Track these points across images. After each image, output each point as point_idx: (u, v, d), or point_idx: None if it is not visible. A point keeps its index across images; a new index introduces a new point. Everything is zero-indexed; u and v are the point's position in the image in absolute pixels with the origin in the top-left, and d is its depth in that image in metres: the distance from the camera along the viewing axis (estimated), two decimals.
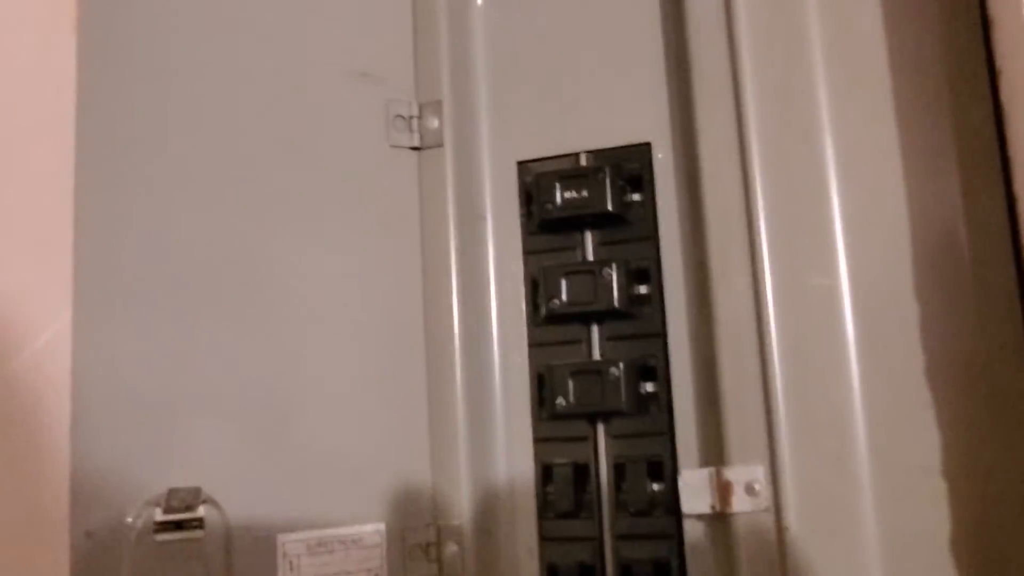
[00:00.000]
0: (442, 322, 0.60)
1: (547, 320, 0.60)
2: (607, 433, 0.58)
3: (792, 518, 0.51)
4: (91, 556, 0.49)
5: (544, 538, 0.59)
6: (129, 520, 0.49)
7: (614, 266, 0.58)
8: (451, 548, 0.58)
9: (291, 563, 0.53)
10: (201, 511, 0.51)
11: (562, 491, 0.58)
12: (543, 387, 0.59)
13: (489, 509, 0.59)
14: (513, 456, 0.60)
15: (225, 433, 0.53)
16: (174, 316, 0.52)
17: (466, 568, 0.57)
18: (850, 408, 0.51)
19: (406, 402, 0.59)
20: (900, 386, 0.51)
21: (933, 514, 0.50)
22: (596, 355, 0.59)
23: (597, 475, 0.58)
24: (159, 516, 0.49)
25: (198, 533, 0.50)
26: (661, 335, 0.58)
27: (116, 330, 0.51)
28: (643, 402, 0.57)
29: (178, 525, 0.50)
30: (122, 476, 0.49)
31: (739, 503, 0.52)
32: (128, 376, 0.51)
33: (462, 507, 0.58)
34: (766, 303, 0.53)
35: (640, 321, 0.58)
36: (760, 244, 0.53)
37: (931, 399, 0.50)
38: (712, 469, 0.54)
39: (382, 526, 0.57)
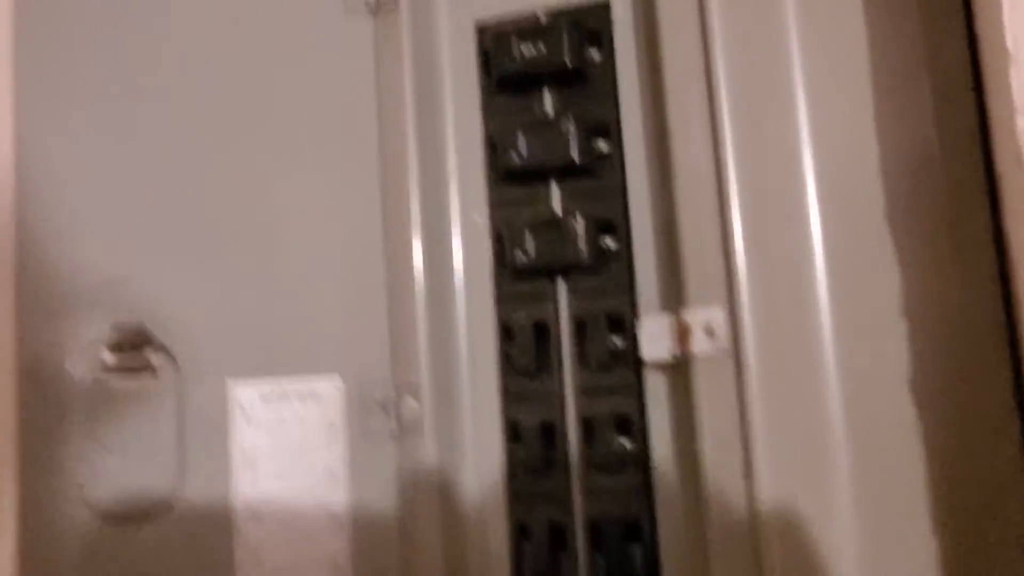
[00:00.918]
0: (399, 182, 0.59)
1: (506, 179, 0.59)
2: (568, 289, 0.58)
3: (751, 358, 0.50)
4: (39, 401, 0.48)
5: (505, 396, 0.58)
6: (75, 358, 0.48)
7: (572, 120, 0.57)
8: (410, 404, 0.57)
9: (246, 412, 0.53)
10: (149, 355, 0.50)
11: (523, 348, 0.58)
12: (503, 244, 0.59)
13: (449, 366, 0.58)
14: (473, 313, 0.59)
15: (177, 269, 0.52)
16: (128, 140, 0.51)
17: (425, 424, 0.57)
18: (809, 249, 0.51)
19: (365, 258, 0.58)
20: (862, 228, 0.51)
21: (894, 353, 0.50)
22: (557, 212, 0.58)
23: (558, 331, 0.58)
24: (107, 357, 0.48)
25: (147, 377, 0.49)
26: (621, 191, 0.57)
27: (65, 154, 0.50)
28: (603, 257, 0.57)
29: (128, 369, 0.49)
30: (69, 309, 0.48)
31: (698, 345, 0.52)
32: (77, 200, 0.50)
33: (420, 364, 0.57)
34: (725, 152, 0.52)
35: (600, 178, 0.58)
36: (720, 98, 0.53)
37: (893, 240, 0.50)
38: (672, 315, 0.53)
39: (339, 379, 0.56)
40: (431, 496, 0.56)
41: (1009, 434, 0.47)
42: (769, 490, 0.49)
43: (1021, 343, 0.46)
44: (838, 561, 0.48)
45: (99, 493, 0.46)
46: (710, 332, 0.51)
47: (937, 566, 0.47)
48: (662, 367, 0.54)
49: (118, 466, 0.47)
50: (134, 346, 0.49)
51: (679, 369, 0.53)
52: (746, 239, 0.51)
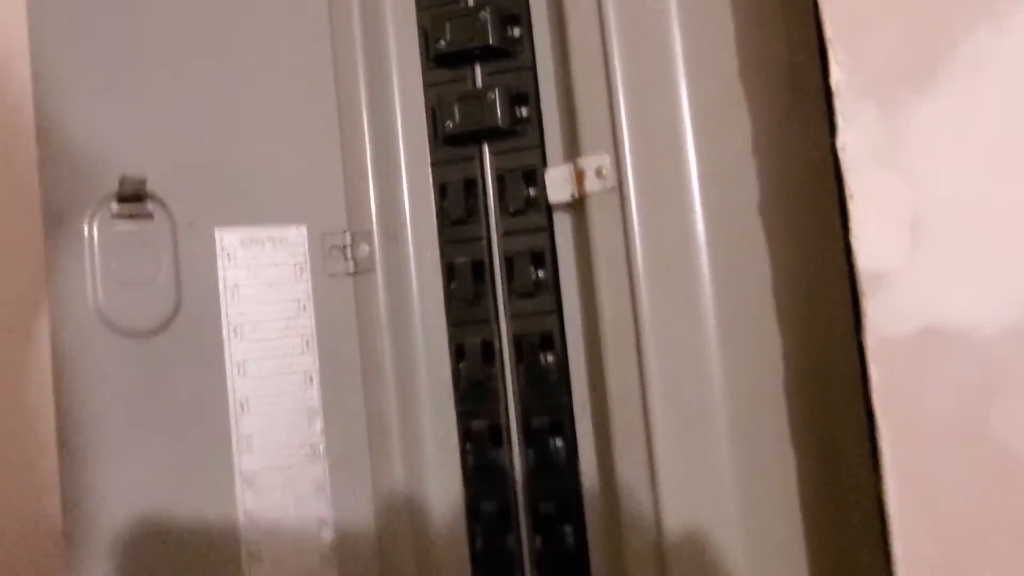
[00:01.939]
0: (348, 63, 0.71)
1: (436, 63, 0.71)
2: (491, 152, 0.70)
3: (632, 194, 0.63)
4: (62, 246, 0.60)
5: (442, 241, 0.71)
6: (90, 210, 0.60)
7: (488, 9, 0.69)
8: (363, 249, 0.70)
9: (228, 254, 0.65)
10: (149, 206, 0.62)
11: (455, 202, 0.70)
12: (436, 116, 0.71)
13: (395, 218, 0.71)
14: (413, 176, 0.72)
15: (173, 134, 0.64)
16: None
17: (376, 264, 0.70)
18: (679, 105, 0.63)
19: (322, 129, 0.70)
20: (724, 88, 0.63)
21: (750, 188, 0.62)
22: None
23: (484, 186, 0.70)
24: (115, 207, 0.61)
25: (148, 223, 0.62)
26: (532, 67, 0.69)
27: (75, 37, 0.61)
28: (518, 123, 0.69)
29: (131, 216, 0.61)
30: (85, 161, 0.60)
31: (590, 185, 0.64)
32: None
33: (372, 216, 0.70)
34: (610, 31, 0.64)
35: (514, 59, 0.70)
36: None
37: (745, 94, 0.63)
38: (571, 164, 0.66)
39: (304, 228, 0.69)
40: (382, 323, 0.69)
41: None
42: (648, 297, 0.62)
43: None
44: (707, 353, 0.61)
45: (113, 314, 0.59)
46: (600, 174, 0.64)
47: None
48: (565, 207, 0.67)
49: (128, 293, 0.60)
50: (137, 198, 0.61)
51: (578, 207, 0.66)
52: (626, 100, 0.63)
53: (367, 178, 0.70)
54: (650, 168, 0.63)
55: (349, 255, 0.70)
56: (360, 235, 0.70)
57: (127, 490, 0.59)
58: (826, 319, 0.60)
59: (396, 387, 0.70)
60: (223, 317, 0.64)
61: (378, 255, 0.70)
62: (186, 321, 0.63)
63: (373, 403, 0.70)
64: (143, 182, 0.60)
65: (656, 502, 0.61)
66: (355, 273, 0.70)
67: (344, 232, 0.70)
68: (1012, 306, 0.51)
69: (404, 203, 0.71)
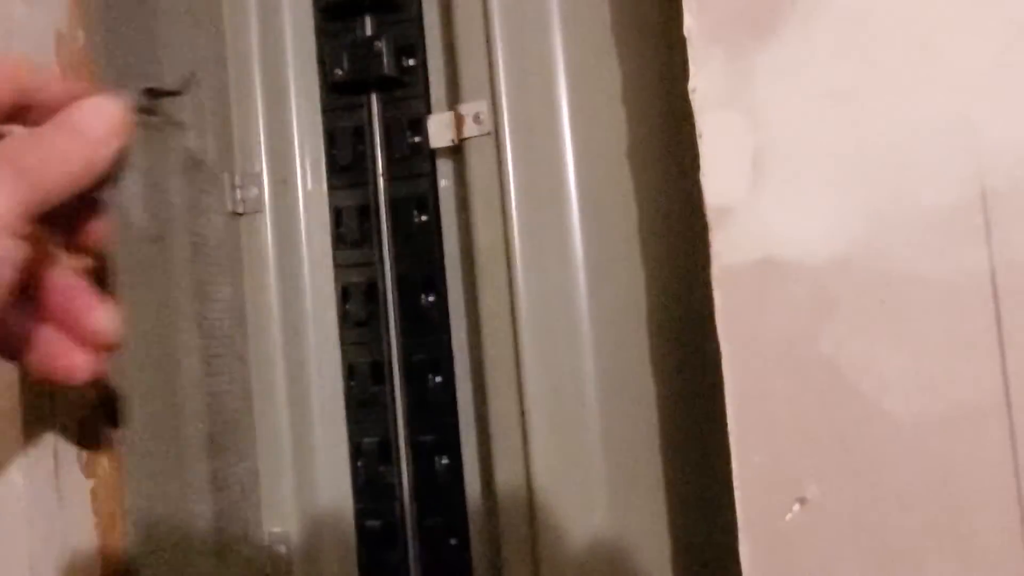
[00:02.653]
0: (239, 10, 0.73)
1: (327, 14, 0.74)
2: (379, 100, 0.73)
3: (507, 138, 0.66)
4: None
5: (330, 186, 0.74)
6: None
7: None
8: (253, 191, 0.72)
9: None
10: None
11: (344, 149, 0.73)
12: (326, 64, 0.74)
13: (285, 161, 0.73)
14: (303, 120, 0.74)
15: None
16: None
17: (264, 206, 0.72)
18: (554, 54, 0.66)
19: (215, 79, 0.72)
20: (598, 36, 0.66)
21: (621, 127, 0.66)
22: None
23: (371, 134, 0.73)
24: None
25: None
26: (419, 19, 0.72)
27: None
28: (406, 72, 0.72)
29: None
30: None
31: (469, 130, 0.67)
32: None
33: (262, 159, 0.72)
34: None
35: (403, 11, 0.73)
36: None
37: (615, 43, 0.66)
38: (452, 110, 0.69)
39: None
40: (270, 265, 0.72)
41: None
42: (522, 228, 0.65)
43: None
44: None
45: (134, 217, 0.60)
46: (478, 120, 0.67)
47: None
48: (446, 152, 0.70)
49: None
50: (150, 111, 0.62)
51: (458, 152, 0.69)
52: (503, 50, 0.67)
53: (258, 124, 0.72)
54: (525, 114, 0.66)
55: (239, 196, 0.72)
56: (250, 177, 0.72)
57: None
58: (688, 254, 0.64)
59: (282, 327, 0.72)
60: None
61: (266, 198, 0.72)
62: None
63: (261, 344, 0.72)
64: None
65: (525, 442, 0.64)
66: (244, 214, 0.72)
67: (234, 174, 0.72)
68: (839, 237, 0.55)
69: (295, 151, 0.74)
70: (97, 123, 0.44)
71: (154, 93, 0.63)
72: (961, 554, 0.52)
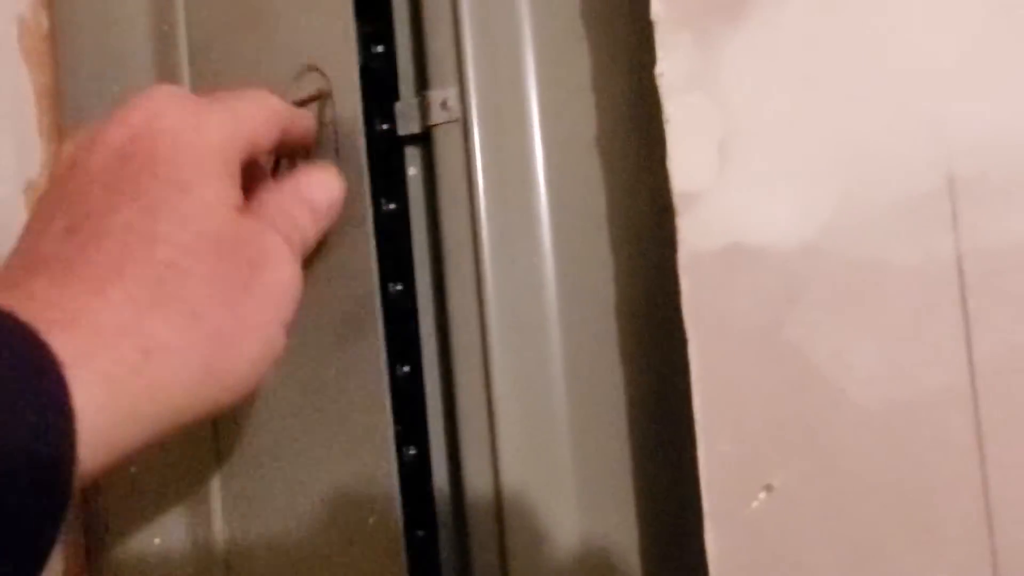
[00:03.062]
0: None
1: None
2: None
3: (474, 125, 0.65)
4: None
5: None
6: None
7: None
8: None
9: None
10: None
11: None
12: None
13: None
14: None
15: None
16: None
17: None
18: (523, 40, 0.66)
19: None
20: (567, 21, 0.66)
21: (588, 113, 0.65)
22: None
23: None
24: None
25: None
26: (386, 5, 0.71)
27: None
28: (373, 58, 0.71)
29: None
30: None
31: (436, 117, 0.67)
32: None
33: None
34: None
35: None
36: None
37: (586, 33, 0.66)
38: (419, 98, 0.68)
39: None
40: None
41: None
42: (490, 216, 0.64)
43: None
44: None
45: None
46: (445, 107, 0.66)
47: None
48: (414, 139, 0.69)
49: None
50: None
51: (426, 139, 0.68)
52: (472, 36, 0.66)
53: None
54: (493, 101, 0.65)
55: None
56: None
57: None
58: (658, 242, 0.64)
59: None
60: None
61: None
62: None
63: None
64: None
65: (492, 433, 0.64)
66: None
67: None
68: (807, 224, 0.55)
69: None
70: (323, 198, 0.56)
71: (300, 103, 0.63)
72: (925, 541, 0.52)
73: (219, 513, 0.68)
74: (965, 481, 0.52)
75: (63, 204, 0.46)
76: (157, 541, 0.69)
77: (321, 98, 0.66)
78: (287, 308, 0.48)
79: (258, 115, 0.51)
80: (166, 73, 0.72)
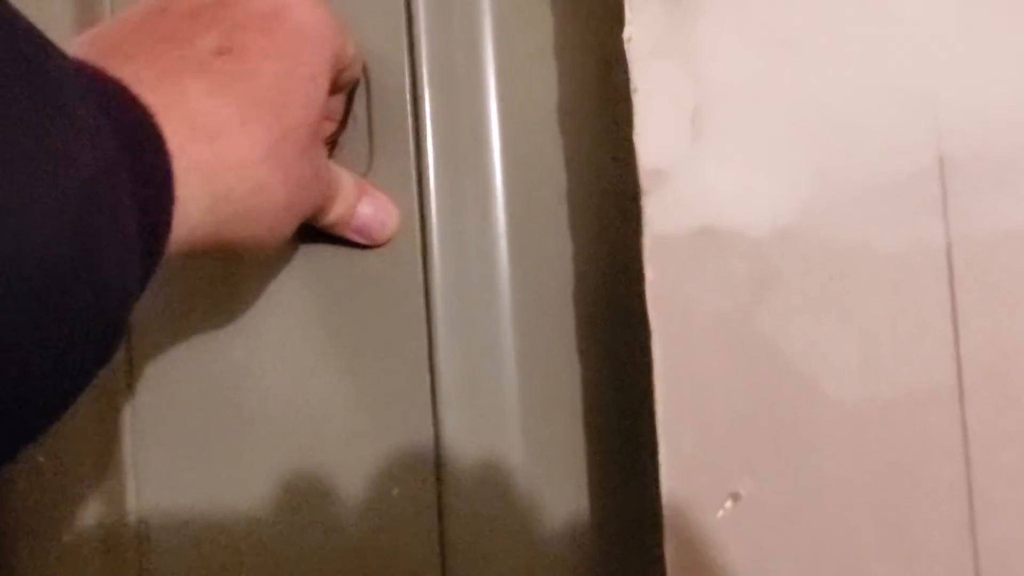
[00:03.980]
0: None
1: None
2: None
3: (425, 93, 0.60)
4: None
5: None
6: None
7: None
8: None
9: None
10: None
11: None
12: None
13: None
14: None
15: None
16: None
17: None
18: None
19: None
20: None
21: (544, 85, 0.60)
22: None
23: None
24: None
25: None
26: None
27: None
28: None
29: None
30: None
31: None
32: None
33: None
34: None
35: None
36: None
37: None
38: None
39: None
40: None
41: None
42: (439, 189, 0.59)
43: None
44: None
45: None
46: None
47: None
48: None
49: None
50: None
51: None
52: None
53: None
54: (446, 66, 0.60)
55: None
56: None
57: None
58: (618, 220, 0.59)
59: None
60: None
61: None
62: None
63: None
64: None
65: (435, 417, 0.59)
66: None
67: None
68: (784, 206, 0.50)
69: None
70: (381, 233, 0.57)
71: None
72: (905, 550, 0.47)
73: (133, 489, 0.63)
74: (949, 486, 0.48)
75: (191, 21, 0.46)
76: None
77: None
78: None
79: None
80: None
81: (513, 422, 0.58)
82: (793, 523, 0.48)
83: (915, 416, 0.48)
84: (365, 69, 0.60)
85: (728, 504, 0.48)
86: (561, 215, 0.59)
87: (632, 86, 0.52)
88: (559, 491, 0.59)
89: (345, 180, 0.55)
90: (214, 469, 0.61)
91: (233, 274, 0.61)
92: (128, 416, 0.62)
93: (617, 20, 0.55)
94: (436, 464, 0.58)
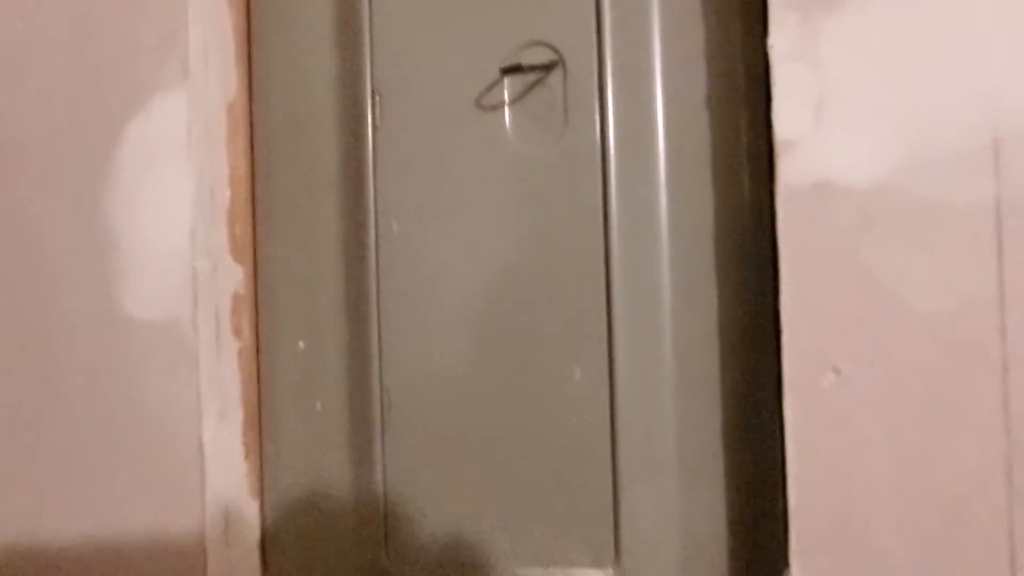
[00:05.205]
0: None
1: None
2: None
3: (608, 83, 0.80)
4: None
5: None
6: None
7: None
8: None
9: None
10: None
11: None
12: None
13: None
14: None
15: None
16: None
17: None
18: (652, 12, 0.80)
19: None
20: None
21: None
22: None
23: None
24: None
25: None
26: None
27: None
28: None
29: None
30: None
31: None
32: None
33: None
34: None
35: None
36: None
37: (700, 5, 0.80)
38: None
39: None
40: None
41: None
42: (617, 177, 0.80)
43: None
44: None
45: None
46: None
47: None
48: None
49: None
50: None
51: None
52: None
53: None
54: (625, 60, 0.80)
55: None
56: None
57: None
58: (753, 182, 0.79)
59: None
60: None
61: None
62: None
63: None
64: None
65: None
66: None
67: None
68: (880, 169, 0.70)
69: None
70: None
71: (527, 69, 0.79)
72: (953, 423, 0.67)
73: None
74: (990, 375, 0.68)
75: None
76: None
77: (551, 67, 0.80)
78: None
79: None
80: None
81: (667, 351, 0.79)
82: (876, 396, 0.68)
83: (966, 323, 0.68)
84: (563, 58, 0.81)
85: (831, 376, 0.69)
86: (707, 178, 0.80)
87: (772, 79, 0.72)
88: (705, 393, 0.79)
89: None
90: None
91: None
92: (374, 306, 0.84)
93: (761, 29, 0.75)
94: (609, 354, 0.79)
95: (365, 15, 0.87)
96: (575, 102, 0.81)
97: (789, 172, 0.72)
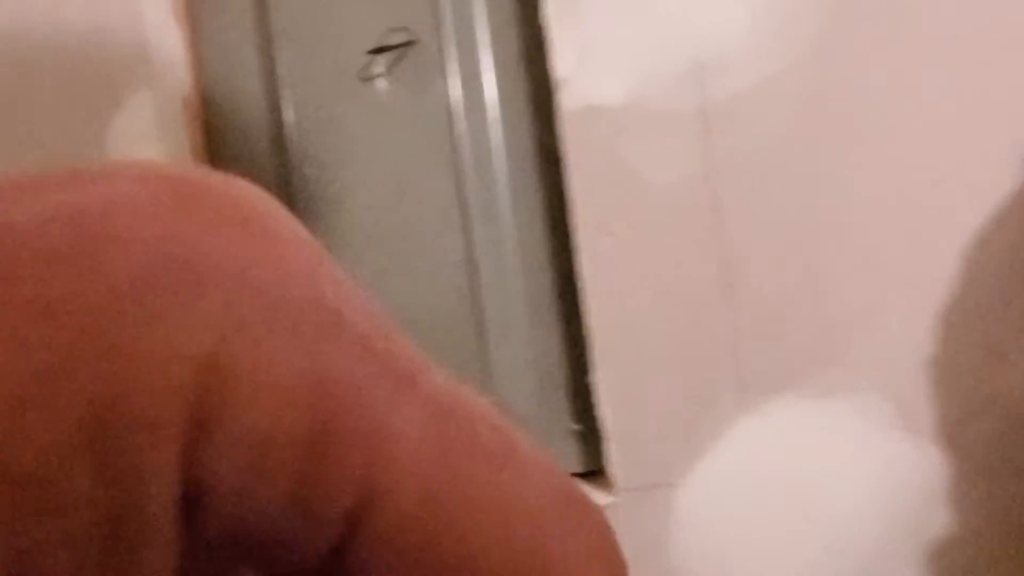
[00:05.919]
0: None
1: None
2: None
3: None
4: None
5: None
6: None
7: None
8: None
9: None
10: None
11: None
12: None
13: None
14: None
15: None
16: None
17: None
18: None
19: None
20: None
21: None
22: None
23: None
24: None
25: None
26: None
27: None
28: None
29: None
30: None
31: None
32: None
33: None
34: None
35: None
36: None
37: None
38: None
39: None
40: None
41: None
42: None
43: None
44: None
45: None
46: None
47: None
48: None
49: None
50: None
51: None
52: None
53: None
54: (461, 36, 1.14)
55: None
56: None
57: None
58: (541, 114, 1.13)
59: None
60: None
61: None
62: None
63: None
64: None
65: None
66: None
67: None
68: (624, 91, 1.04)
69: None
70: None
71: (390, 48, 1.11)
72: (679, 261, 1.01)
73: None
74: (701, 227, 1.01)
75: None
76: None
77: (410, 44, 1.13)
78: None
79: None
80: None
81: None
82: (636, 248, 1.02)
83: (685, 188, 1.02)
84: (418, 37, 1.14)
85: (608, 238, 1.02)
86: (525, 111, 1.13)
87: (549, 37, 1.06)
88: None
89: None
90: None
91: None
92: None
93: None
94: (467, 244, 1.13)
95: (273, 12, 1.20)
96: (428, 69, 1.14)
97: (566, 100, 1.05)
